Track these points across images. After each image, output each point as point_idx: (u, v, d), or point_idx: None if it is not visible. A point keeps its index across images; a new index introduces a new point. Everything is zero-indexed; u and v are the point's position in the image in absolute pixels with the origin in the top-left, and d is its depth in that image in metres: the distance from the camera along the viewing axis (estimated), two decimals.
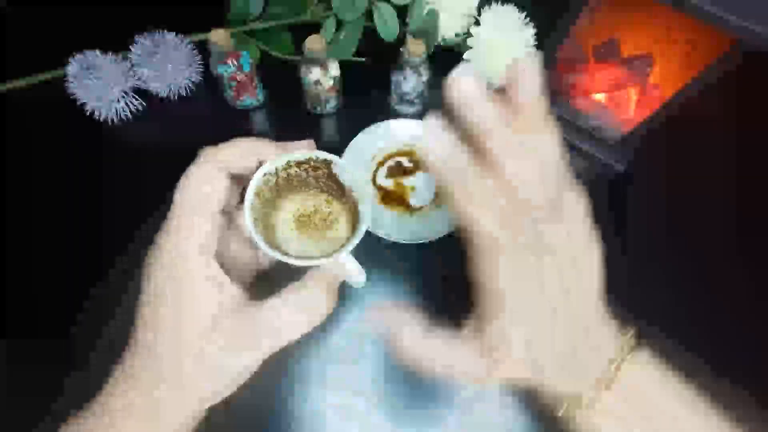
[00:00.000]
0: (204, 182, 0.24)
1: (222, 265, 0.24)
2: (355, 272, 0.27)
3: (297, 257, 0.26)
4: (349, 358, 0.38)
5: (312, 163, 0.29)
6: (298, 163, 0.29)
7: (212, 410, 0.25)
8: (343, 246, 0.26)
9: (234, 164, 0.26)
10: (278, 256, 0.25)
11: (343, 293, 0.40)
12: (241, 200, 0.27)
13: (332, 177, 0.30)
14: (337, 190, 0.31)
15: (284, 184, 0.30)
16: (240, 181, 0.27)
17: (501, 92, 0.21)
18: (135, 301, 0.24)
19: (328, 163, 0.29)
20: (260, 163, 0.27)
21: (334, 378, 0.37)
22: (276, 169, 0.28)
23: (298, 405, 0.36)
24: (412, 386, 0.38)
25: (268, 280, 0.28)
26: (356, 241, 0.27)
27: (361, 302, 0.40)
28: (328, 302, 0.25)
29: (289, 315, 0.24)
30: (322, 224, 0.32)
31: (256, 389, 0.25)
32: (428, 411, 0.37)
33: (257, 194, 0.27)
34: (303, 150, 0.28)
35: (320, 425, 0.36)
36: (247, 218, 0.25)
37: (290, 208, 0.32)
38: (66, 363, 0.34)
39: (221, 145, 0.26)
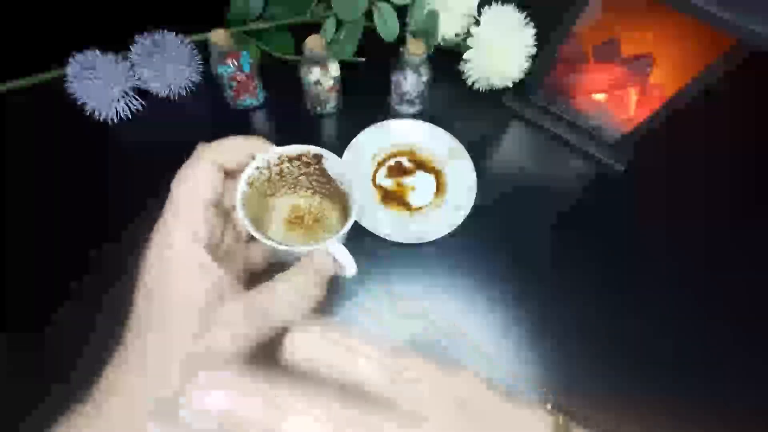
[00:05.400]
0: (197, 176, 0.25)
1: (215, 257, 0.24)
2: (345, 262, 0.27)
3: (286, 244, 0.26)
4: None
5: (304, 159, 0.29)
6: (290, 159, 0.29)
7: None
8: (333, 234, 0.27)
9: (228, 160, 0.26)
10: (268, 243, 0.25)
11: (344, 293, 0.41)
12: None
13: (324, 174, 0.30)
14: (329, 189, 0.31)
15: (277, 181, 0.30)
16: (235, 177, 0.27)
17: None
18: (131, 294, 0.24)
19: (319, 158, 0.29)
20: (254, 159, 0.27)
21: None
22: (268, 162, 0.28)
23: None
24: None
25: (261, 280, 0.29)
26: (345, 230, 0.27)
27: (361, 302, 0.40)
28: (316, 290, 0.25)
29: (277, 301, 0.24)
30: (315, 225, 0.32)
31: None
32: None
33: (250, 183, 0.27)
34: (295, 145, 0.28)
35: None
36: (238, 204, 0.26)
37: (283, 209, 0.32)
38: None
39: (216, 142, 0.26)
